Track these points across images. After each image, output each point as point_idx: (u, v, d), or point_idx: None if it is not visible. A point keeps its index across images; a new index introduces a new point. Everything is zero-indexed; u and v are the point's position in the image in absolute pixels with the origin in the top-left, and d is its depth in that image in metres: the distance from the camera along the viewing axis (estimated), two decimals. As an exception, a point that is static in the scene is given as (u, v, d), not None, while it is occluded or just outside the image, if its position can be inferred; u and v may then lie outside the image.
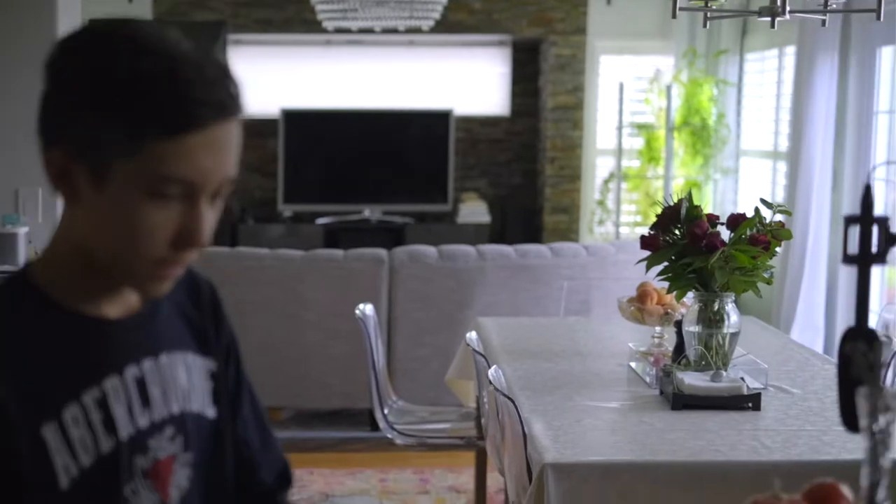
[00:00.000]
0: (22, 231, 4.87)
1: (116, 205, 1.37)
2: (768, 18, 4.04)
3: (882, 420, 1.52)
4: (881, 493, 1.56)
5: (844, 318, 6.42)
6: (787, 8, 3.99)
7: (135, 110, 1.34)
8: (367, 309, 4.53)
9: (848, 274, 6.23)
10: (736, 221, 3.50)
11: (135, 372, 1.48)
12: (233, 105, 1.39)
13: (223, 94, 1.37)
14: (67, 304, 1.44)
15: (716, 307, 3.46)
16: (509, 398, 3.14)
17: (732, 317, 3.48)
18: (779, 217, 3.54)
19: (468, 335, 4.08)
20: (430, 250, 6.21)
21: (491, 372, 3.32)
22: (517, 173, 9.97)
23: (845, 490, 1.77)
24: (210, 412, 1.59)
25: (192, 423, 1.56)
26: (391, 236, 9.06)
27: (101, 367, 1.45)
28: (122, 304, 1.49)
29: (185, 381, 1.56)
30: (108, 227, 1.39)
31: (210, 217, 1.41)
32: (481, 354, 3.76)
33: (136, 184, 1.35)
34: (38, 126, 1.41)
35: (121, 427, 1.45)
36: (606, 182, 9.14)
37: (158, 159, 1.35)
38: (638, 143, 8.93)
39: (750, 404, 3.27)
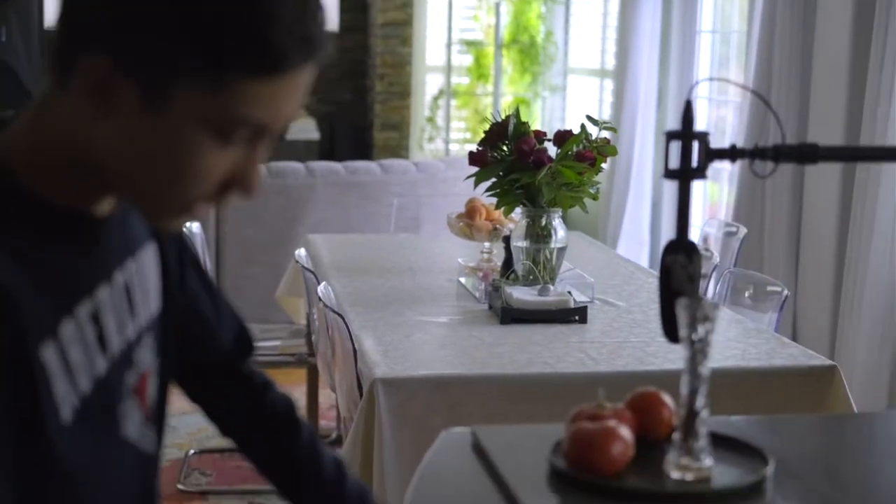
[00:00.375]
0: None
1: (170, 135, 1.16)
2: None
3: (701, 330, 1.56)
4: (700, 401, 1.61)
5: (668, 233, 6.57)
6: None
7: (227, 40, 1.13)
8: (193, 227, 4.47)
9: (672, 189, 6.36)
10: (563, 138, 3.54)
11: (122, 277, 1.32)
12: (323, 45, 1.20)
13: (317, 33, 1.18)
14: (49, 195, 1.22)
15: (543, 222, 3.50)
16: (339, 314, 3.14)
17: (559, 232, 3.53)
18: (605, 134, 3.59)
19: (298, 252, 4.06)
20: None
21: (321, 288, 3.31)
22: (346, 90, 9.91)
23: (666, 398, 1.82)
24: (157, 306, 1.43)
25: (157, 324, 1.42)
26: (219, 153, 8.93)
27: (93, 275, 1.27)
28: (105, 202, 1.29)
29: (154, 275, 1.41)
30: (151, 156, 1.18)
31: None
32: (311, 271, 3.75)
33: (204, 120, 1.16)
34: (74, 22, 1.17)
35: (112, 343, 1.29)
36: (436, 99, 9.15)
37: (239, 99, 1.15)
38: (467, 60, 8.94)
39: (577, 317, 3.33)
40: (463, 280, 3.77)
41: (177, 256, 1.53)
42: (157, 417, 1.44)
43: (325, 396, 4.73)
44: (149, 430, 1.39)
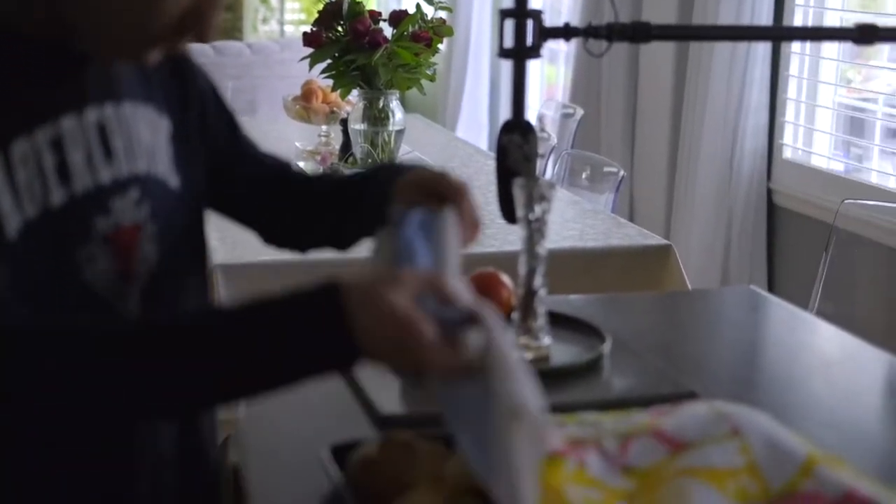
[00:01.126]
0: None
1: None
2: None
3: (538, 209, 1.56)
4: (538, 280, 1.62)
5: (507, 115, 6.58)
6: None
7: None
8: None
9: (510, 70, 6.37)
10: (398, 18, 3.50)
11: (96, 115, 1.28)
12: None
13: None
14: (24, 27, 1.21)
15: (381, 105, 3.47)
16: (174, 201, 3.09)
17: (397, 114, 3.51)
18: (441, 14, 3.56)
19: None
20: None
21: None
22: (178, -30, 9.67)
23: (505, 278, 1.83)
24: (173, 181, 1.40)
25: (159, 190, 1.36)
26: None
27: (59, 102, 1.24)
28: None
29: (150, 139, 1.36)
30: None
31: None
32: (145, 157, 3.68)
33: None
34: None
35: (76, 178, 1.24)
36: (270, -21, 9.00)
37: None
38: (302, -61, 8.80)
39: (415, 200, 3.32)
40: (301, 164, 3.73)
41: (227, 124, 1.59)
42: (161, 286, 1.37)
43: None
44: (125, 288, 1.31)
